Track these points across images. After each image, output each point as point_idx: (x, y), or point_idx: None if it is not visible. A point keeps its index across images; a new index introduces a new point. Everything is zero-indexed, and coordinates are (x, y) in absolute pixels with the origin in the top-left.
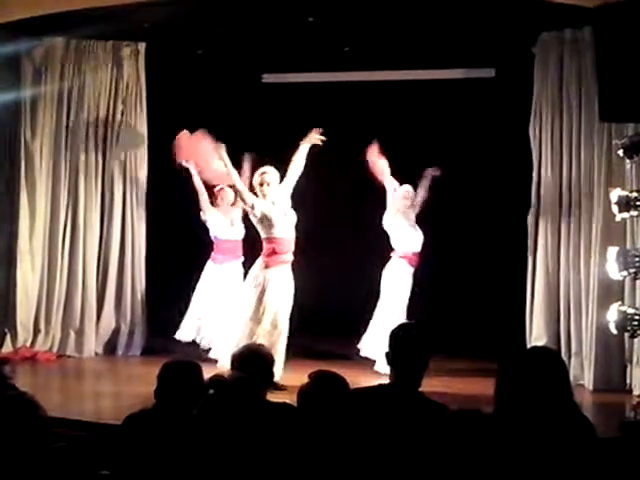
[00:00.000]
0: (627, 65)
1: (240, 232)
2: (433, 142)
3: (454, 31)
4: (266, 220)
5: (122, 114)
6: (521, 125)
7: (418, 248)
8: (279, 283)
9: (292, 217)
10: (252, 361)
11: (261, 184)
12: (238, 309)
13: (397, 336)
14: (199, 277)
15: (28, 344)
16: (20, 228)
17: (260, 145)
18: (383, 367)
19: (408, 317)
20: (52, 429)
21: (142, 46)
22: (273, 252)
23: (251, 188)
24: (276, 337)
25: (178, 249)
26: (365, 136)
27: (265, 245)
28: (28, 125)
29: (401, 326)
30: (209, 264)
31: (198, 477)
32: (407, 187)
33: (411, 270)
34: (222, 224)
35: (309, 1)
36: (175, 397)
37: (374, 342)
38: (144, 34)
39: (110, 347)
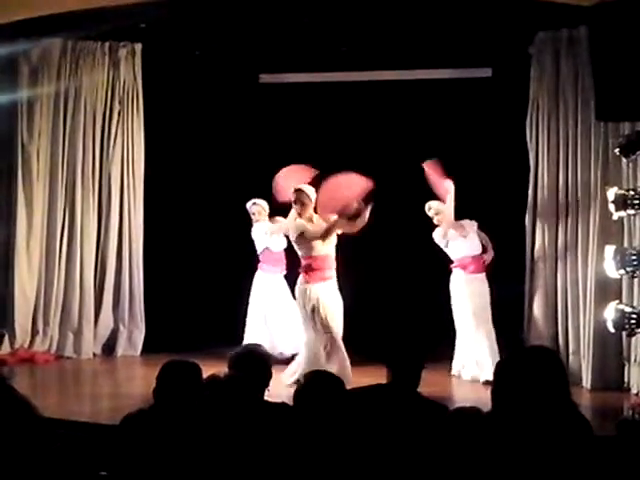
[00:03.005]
0: (623, 64)
1: (284, 243)
2: (430, 142)
3: (451, 31)
4: (304, 242)
5: (119, 114)
6: (518, 124)
7: (473, 252)
8: (324, 298)
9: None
10: (249, 361)
11: (295, 202)
12: (301, 331)
13: (394, 336)
14: (196, 278)
15: (26, 345)
16: (18, 229)
17: (258, 146)
18: (486, 375)
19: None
20: (50, 430)
21: (139, 47)
22: (311, 268)
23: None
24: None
25: (176, 249)
26: (362, 136)
27: (303, 262)
28: (25, 126)
29: (398, 326)
30: (258, 274)
31: (195, 476)
32: (426, 206)
33: (477, 276)
34: (261, 237)
35: (305, 2)
36: (174, 397)
37: (466, 359)
38: (141, 35)
39: (108, 348)
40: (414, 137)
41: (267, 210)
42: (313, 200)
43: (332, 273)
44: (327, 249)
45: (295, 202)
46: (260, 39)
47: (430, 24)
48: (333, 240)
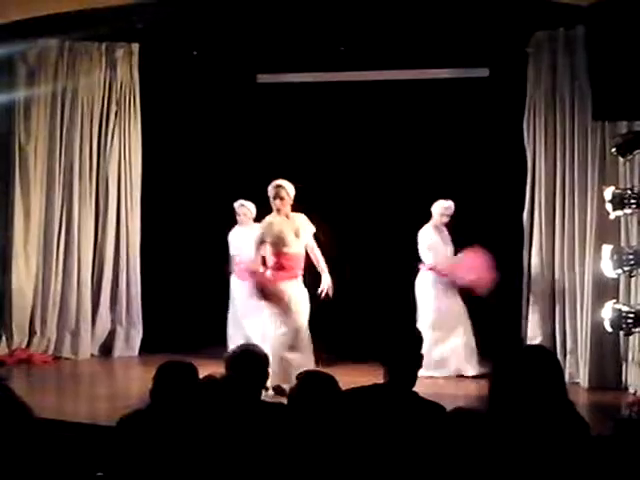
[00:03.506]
0: (620, 64)
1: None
2: (427, 142)
3: (448, 31)
4: (278, 238)
5: (116, 115)
6: (515, 124)
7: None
8: (293, 294)
9: (305, 235)
10: (246, 361)
11: (275, 197)
12: (261, 326)
13: (390, 335)
14: (193, 279)
15: (24, 346)
16: (15, 230)
17: (256, 145)
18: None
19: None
20: (45, 431)
21: (135, 47)
22: (281, 267)
23: None
24: (300, 346)
25: (173, 249)
26: (360, 136)
27: (273, 259)
28: (22, 127)
29: (394, 326)
30: (234, 280)
31: (193, 477)
32: (447, 203)
33: (442, 279)
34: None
35: (303, 2)
36: (170, 398)
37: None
38: (137, 35)
39: (106, 348)
40: (411, 137)
41: (253, 214)
42: (292, 196)
43: (300, 272)
44: (298, 247)
45: (274, 197)
46: (257, 39)
47: (428, 24)
48: (303, 239)
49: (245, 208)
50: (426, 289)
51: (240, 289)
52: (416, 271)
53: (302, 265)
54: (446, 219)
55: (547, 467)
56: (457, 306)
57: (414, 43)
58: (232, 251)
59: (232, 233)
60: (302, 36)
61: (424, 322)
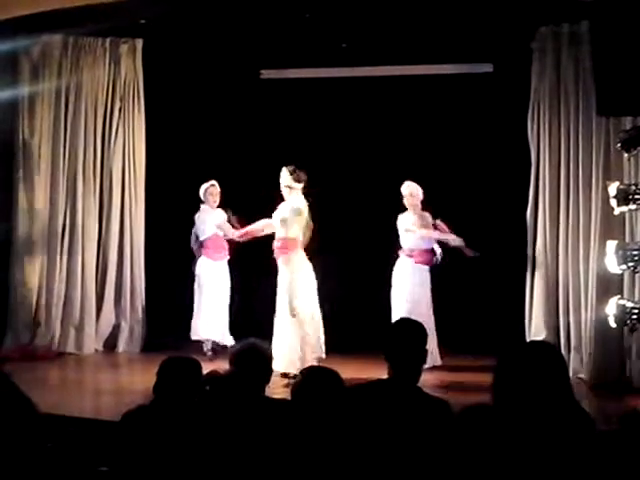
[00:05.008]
0: (624, 59)
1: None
2: (431, 137)
3: (452, 26)
4: (283, 222)
5: (120, 111)
6: (519, 120)
7: (425, 246)
8: (298, 277)
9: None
10: (250, 357)
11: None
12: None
13: (394, 331)
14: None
15: (28, 341)
16: (19, 225)
17: (259, 141)
18: None
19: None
20: (50, 427)
21: (139, 43)
22: (287, 249)
23: None
24: (308, 330)
25: (177, 245)
26: (364, 131)
27: (279, 243)
28: (26, 123)
29: (398, 321)
30: (205, 262)
31: (195, 472)
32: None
33: (422, 267)
34: (213, 222)
35: None
36: (174, 393)
37: None
38: (141, 30)
39: (110, 344)
40: (414, 132)
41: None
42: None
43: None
44: (280, 232)
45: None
46: (261, 35)
47: (431, 19)
48: (291, 225)
49: (216, 188)
50: (403, 276)
51: (213, 271)
52: (395, 257)
53: (291, 247)
54: (407, 202)
55: (552, 463)
56: (426, 298)
57: (417, 39)
58: (207, 232)
59: (207, 215)
60: (305, 32)
61: (397, 310)
